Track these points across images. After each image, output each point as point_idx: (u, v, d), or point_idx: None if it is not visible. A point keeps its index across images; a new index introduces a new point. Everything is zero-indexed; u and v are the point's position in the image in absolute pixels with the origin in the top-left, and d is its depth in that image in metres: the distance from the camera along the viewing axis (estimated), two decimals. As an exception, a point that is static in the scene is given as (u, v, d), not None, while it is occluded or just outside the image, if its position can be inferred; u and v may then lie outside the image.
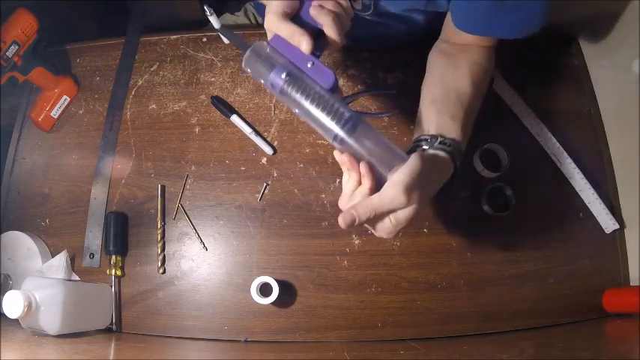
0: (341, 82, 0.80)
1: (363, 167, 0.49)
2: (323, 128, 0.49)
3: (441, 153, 0.53)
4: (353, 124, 0.48)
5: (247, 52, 0.51)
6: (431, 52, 0.66)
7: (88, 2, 0.94)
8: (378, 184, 0.49)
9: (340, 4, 0.51)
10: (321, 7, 0.49)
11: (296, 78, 0.49)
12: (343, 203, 0.51)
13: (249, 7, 0.96)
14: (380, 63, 0.81)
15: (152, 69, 0.84)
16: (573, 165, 0.76)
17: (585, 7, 0.78)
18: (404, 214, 0.48)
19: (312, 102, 0.49)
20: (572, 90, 0.82)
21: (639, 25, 0.68)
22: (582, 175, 0.76)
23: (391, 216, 0.48)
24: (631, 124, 0.72)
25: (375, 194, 0.48)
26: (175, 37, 0.85)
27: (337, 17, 0.49)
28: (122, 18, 0.89)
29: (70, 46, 0.86)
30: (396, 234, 0.50)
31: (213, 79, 0.82)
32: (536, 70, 0.82)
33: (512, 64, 0.78)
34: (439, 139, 0.54)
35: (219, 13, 0.98)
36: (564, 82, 0.82)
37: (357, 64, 0.81)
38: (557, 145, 0.77)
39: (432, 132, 0.55)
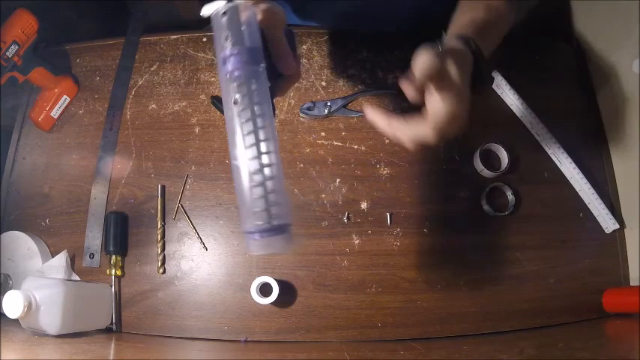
0: (341, 82, 0.80)
1: None
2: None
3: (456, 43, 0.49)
4: None
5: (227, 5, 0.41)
6: None
7: (88, 2, 0.94)
8: None
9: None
10: None
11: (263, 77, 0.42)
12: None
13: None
14: (380, 63, 0.81)
15: (152, 69, 0.84)
16: (573, 165, 0.76)
17: (585, 7, 0.78)
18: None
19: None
20: (572, 90, 0.82)
21: (639, 25, 0.68)
22: (582, 175, 0.76)
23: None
24: (631, 124, 0.72)
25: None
26: (175, 37, 0.85)
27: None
28: (122, 18, 0.89)
29: (70, 46, 0.86)
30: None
31: (213, 79, 0.82)
32: (536, 70, 0.82)
33: (512, 65, 0.78)
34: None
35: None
36: (564, 82, 0.82)
37: (357, 64, 0.81)
38: (558, 145, 0.77)
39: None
